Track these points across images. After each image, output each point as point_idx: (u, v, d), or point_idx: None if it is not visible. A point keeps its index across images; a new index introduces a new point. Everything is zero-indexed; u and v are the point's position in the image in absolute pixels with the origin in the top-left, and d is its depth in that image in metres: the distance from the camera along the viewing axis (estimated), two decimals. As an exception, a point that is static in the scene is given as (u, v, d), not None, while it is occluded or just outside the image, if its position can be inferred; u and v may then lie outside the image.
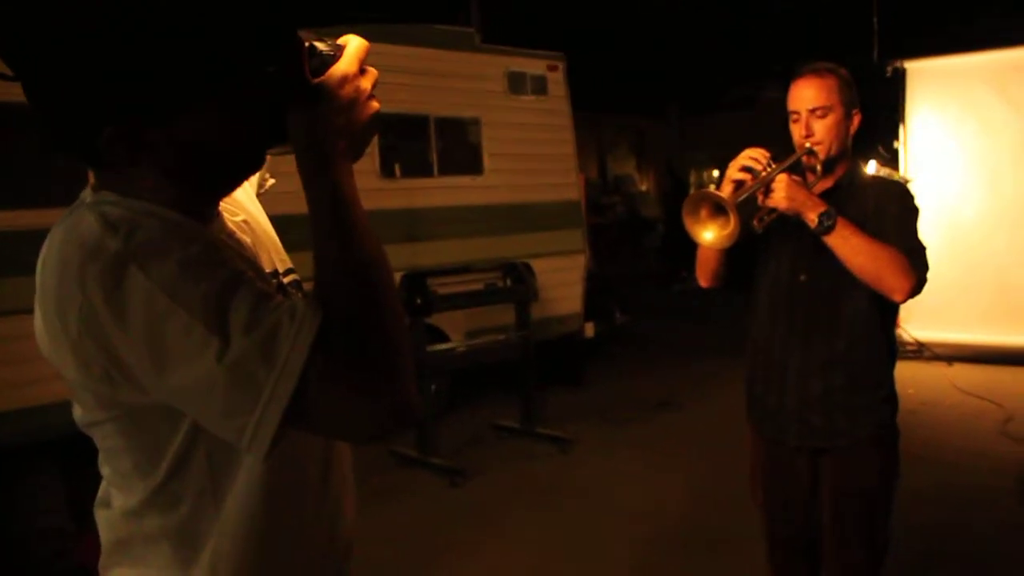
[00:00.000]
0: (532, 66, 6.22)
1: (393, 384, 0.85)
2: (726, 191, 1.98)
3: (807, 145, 2.08)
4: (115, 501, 1.00)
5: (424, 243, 5.46)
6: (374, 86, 0.94)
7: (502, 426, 5.46)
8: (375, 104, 0.94)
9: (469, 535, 3.88)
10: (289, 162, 0.91)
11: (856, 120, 2.12)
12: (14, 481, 3.60)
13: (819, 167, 2.09)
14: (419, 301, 4.80)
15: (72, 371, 0.88)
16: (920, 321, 6.61)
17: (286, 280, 1.10)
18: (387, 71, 1.19)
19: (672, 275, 11.76)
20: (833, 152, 2.09)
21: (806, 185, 2.06)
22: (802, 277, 2.13)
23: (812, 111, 2.07)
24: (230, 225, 1.03)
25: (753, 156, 2.01)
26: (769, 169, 2.01)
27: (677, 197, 13.21)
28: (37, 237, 0.93)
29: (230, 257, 0.88)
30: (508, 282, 5.48)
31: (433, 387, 5.18)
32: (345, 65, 0.91)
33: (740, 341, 2.39)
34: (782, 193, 1.98)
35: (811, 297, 2.12)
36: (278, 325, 0.81)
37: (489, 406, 5.89)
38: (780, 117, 2.20)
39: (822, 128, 2.06)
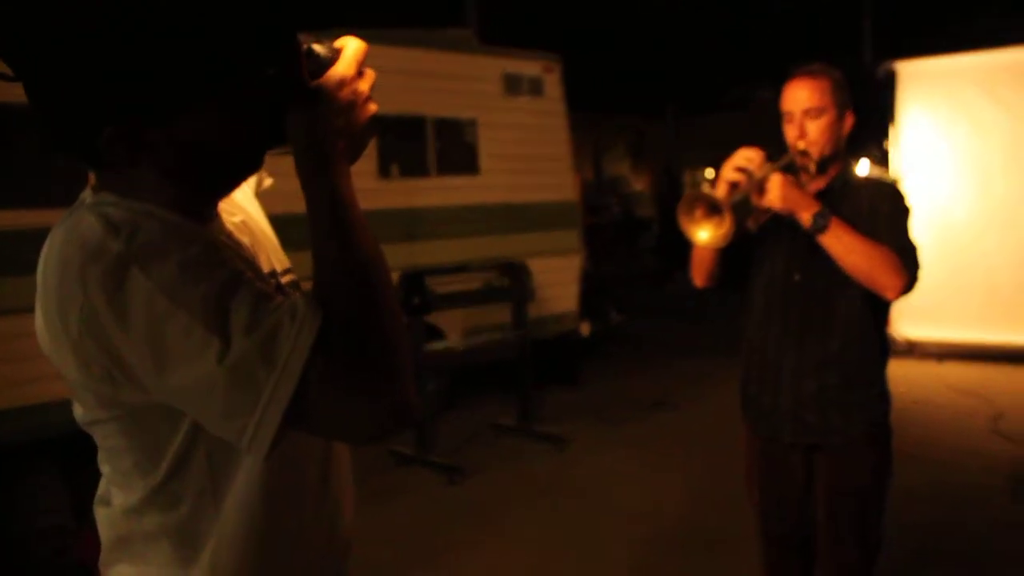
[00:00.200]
0: (528, 68, 6.23)
1: (392, 384, 0.85)
2: (721, 191, 1.99)
3: (801, 146, 2.09)
4: (115, 499, 1.00)
5: (422, 243, 5.47)
6: (372, 88, 0.95)
7: (500, 424, 5.47)
8: (373, 106, 0.95)
9: (468, 533, 3.89)
10: (288, 162, 0.92)
11: (849, 121, 2.13)
12: (14, 479, 3.60)
13: (813, 167, 2.11)
14: (417, 300, 4.82)
15: (73, 371, 0.89)
16: (911, 320, 6.63)
17: (284, 280, 1.10)
18: (384, 73, 1.20)
19: (667, 275, 11.77)
20: (827, 153, 2.10)
21: (800, 185, 2.07)
22: (796, 277, 2.14)
23: (806, 112, 2.08)
24: (228, 225, 1.03)
25: (747, 156, 2.02)
26: (763, 169, 2.02)
27: (672, 197, 13.21)
28: (37, 237, 0.93)
29: (229, 258, 0.88)
30: (505, 281, 5.49)
31: (431, 386, 5.19)
32: (343, 67, 0.92)
33: (735, 341, 2.40)
34: (776, 193, 1.99)
35: (805, 297, 2.14)
36: (278, 326, 0.81)
37: (487, 404, 5.89)
38: (774, 118, 2.21)
39: (816, 129, 2.08)
